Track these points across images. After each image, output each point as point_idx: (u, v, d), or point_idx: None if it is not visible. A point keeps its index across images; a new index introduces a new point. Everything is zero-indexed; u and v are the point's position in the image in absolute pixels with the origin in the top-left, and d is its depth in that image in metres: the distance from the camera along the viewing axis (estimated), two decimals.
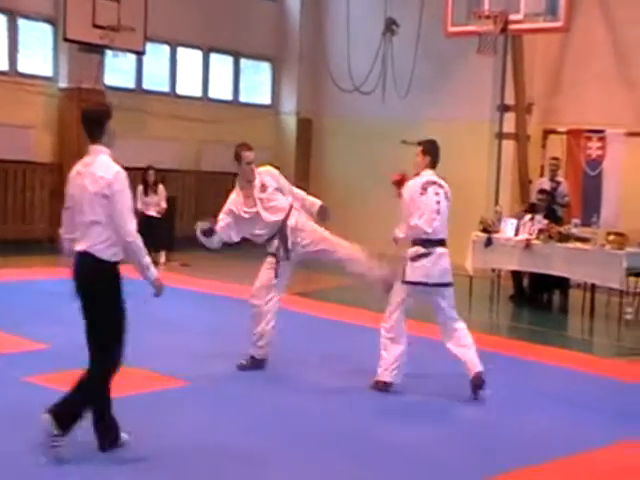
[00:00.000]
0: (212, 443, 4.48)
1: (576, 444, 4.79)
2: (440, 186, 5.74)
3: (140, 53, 12.96)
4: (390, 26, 12.61)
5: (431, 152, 5.70)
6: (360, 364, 6.22)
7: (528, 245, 9.40)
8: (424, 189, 5.63)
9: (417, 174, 5.71)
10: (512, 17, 9.99)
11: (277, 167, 16.83)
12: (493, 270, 10.40)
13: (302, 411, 5.16)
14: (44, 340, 6.30)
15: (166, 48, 14.03)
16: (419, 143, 5.77)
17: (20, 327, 6.61)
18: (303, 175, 15.68)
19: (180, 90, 14.31)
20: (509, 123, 12.05)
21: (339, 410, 5.25)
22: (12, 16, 12.02)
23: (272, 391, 5.56)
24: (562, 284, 9.81)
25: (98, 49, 12.20)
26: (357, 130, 14.43)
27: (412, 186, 5.69)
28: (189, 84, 14.48)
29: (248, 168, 5.79)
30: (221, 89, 14.99)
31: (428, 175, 5.71)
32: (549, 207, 9.98)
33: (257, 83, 15.74)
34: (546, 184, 10.27)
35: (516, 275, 10.02)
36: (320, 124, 15.44)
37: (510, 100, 11.96)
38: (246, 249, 13.33)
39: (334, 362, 6.41)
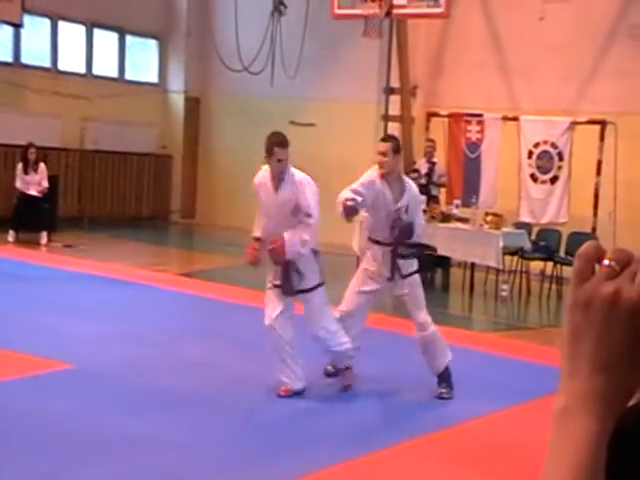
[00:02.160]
0: (87, 426, 4.43)
1: (451, 417, 5.00)
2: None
3: (17, 25, 12.42)
4: (278, 6, 12.60)
5: (400, 150, 5.54)
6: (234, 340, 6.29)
7: None
8: None
9: (388, 174, 5.38)
10: (396, 1, 10.22)
11: (164, 146, 16.59)
12: None
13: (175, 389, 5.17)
14: None
15: (46, 21, 13.49)
16: (386, 139, 5.63)
17: None
18: (191, 154, 15.54)
19: (62, 66, 13.82)
20: (394, 105, 12.33)
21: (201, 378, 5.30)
22: None
23: (152, 373, 5.51)
24: (443, 263, 10.20)
25: None
26: (246, 110, 14.39)
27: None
28: (72, 60, 14.00)
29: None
30: (106, 66, 14.58)
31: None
32: (425, 187, 10.34)
33: (144, 60, 15.41)
34: (423, 165, 10.62)
35: None
36: (208, 103, 15.30)
37: (395, 83, 12.24)
38: (129, 230, 13.25)
39: (215, 341, 6.44)
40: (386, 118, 12.19)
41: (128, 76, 14.96)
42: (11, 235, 10.94)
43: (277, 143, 5.12)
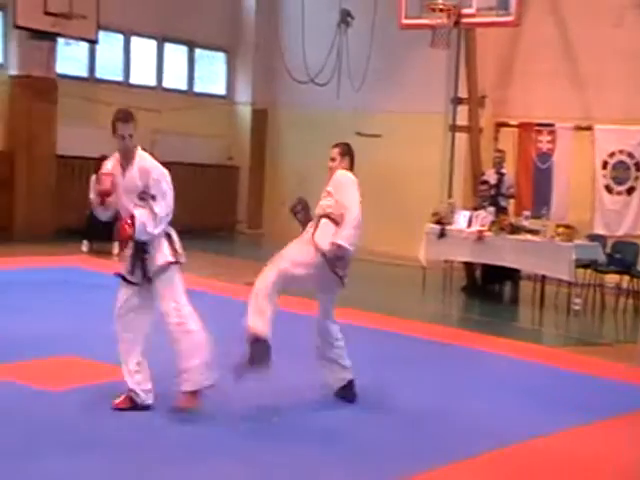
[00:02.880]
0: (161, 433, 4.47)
1: (520, 433, 4.87)
2: None
3: (93, 41, 12.78)
4: (345, 17, 12.66)
5: (350, 154, 5.46)
6: None
7: (480, 237, 9.57)
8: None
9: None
10: (465, 11, 10.13)
11: (231, 157, 16.78)
12: (446, 261, 10.56)
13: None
14: None
15: (120, 37, 13.85)
16: (335, 145, 5.50)
17: None
18: (258, 165, 15.69)
19: (134, 79, 14.16)
20: (462, 116, 12.21)
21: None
22: None
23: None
24: (513, 275, 10.02)
25: (49, 37, 11.99)
26: (312, 121, 14.45)
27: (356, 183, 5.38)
28: (143, 73, 14.34)
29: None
30: (176, 79, 14.87)
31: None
32: (493, 198, 10.18)
33: (212, 73, 15.66)
34: (492, 176, 10.47)
35: (468, 266, 10.19)
36: (275, 115, 15.44)
37: (463, 93, 12.12)
38: (197, 240, 13.42)
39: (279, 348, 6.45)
40: (453, 128, 12.09)
41: (197, 89, 15.23)
42: (85, 245, 11.23)
43: (119, 118, 4.85)
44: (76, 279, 9.04)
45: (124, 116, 4.88)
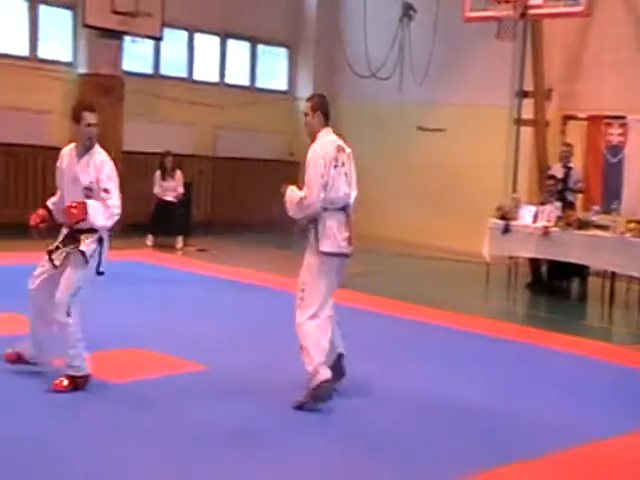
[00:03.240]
0: (221, 428, 4.50)
1: (587, 433, 4.75)
2: (343, 150, 5.22)
3: (158, 39, 12.96)
4: (407, 11, 12.55)
5: (322, 107, 5.19)
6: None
7: (546, 232, 9.36)
8: (336, 160, 5.10)
9: (315, 135, 5.15)
10: (532, 1, 9.90)
11: (292, 153, 16.83)
12: (510, 257, 10.36)
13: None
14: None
15: (184, 34, 14.02)
16: (308, 99, 5.28)
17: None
18: None
19: (197, 75, 14.32)
20: (528, 109, 11.96)
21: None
22: (33, 2, 12.04)
23: (276, 375, 5.50)
24: (581, 272, 9.77)
25: (116, 35, 12.21)
26: (373, 116, 14.38)
27: (327, 153, 5.05)
28: (206, 69, 14.48)
29: None
30: (238, 74, 14.98)
31: (331, 135, 5.18)
32: (560, 193, 9.94)
33: (273, 68, 15.72)
34: (559, 170, 10.21)
35: (534, 262, 9.98)
36: (336, 110, 15.26)
37: (529, 86, 11.87)
38: (258, 235, 13.52)
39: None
40: (518, 122, 11.86)
41: (258, 84, 15.31)
42: (150, 239, 11.40)
43: (86, 107, 5.05)
44: (141, 273, 9.19)
45: (90, 105, 5.07)
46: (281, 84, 15.67)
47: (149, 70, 13.65)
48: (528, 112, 11.99)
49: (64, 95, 12.31)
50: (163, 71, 13.83)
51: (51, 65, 12.23)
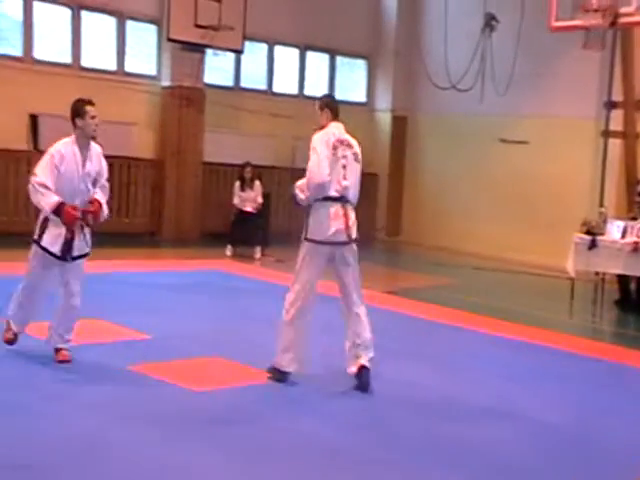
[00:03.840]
0: (306, 438, 4.47)
1: None
2: (349, 146, 5.45)
3: (239, 52, 13.16)
4: (489, 22, 12.38)
5: (329, 105, 5.53)
6: (449, 364, 6.11)
7: (636, 248, 9.03)
8: (335, 148, 5.34)
9: (322, 127, 5.47)
10: (622, 10, 9.57)
11: (370, 164, 16.72)
12: (597, 273, 10.03)
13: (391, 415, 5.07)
14: (145, 330, 6.46)
15: (264, 46, 14.19)
16: (318, 99, 5.65)
17: (122, 317, 6.80)
18: (397, 172, 15.60)
19: (277, 88, 14.46)
20: (616, 120, 11.59)
21: (425, 413, 5.15)
22: (121, 18, 12.41)
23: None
24: None
25: (199, 48, 12.46)
26: (453, 128, 14.22)
27: (324, 138, 5.34)
28: (285, 82, 14.61)
29: None
30: (317, 86, 15.05)
31: (337, 129, 5.45)
32: None
33: (352, 80, 15.74)
34: None
35: (622, 279, 9.63)
36: (415, 121, 15.29)
37: (618, 96, 11.50)
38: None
39: (426, 360, 6.32)
40: (606, 134, 11.50)
41: (337, 96, 15.29)
42: (229, 249, 11.53)
43: (88, 102, 5.40)
44: (220, 282, 9.28)
45: (90, 100, 5.43)
46: (360, 96, 15.67)
47: (230, 82, 13.86)
48: (617, 124, 11.62)
49: (148, 107, 12.65)
50: (243, 83, 14.02)
51: (136, 78, 12.56)
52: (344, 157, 5.37)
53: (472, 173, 13.97)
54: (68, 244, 5.35)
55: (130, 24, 12.53)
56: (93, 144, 5.50)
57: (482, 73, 12.42)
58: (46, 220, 5.37)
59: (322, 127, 5.46)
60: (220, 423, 4.62)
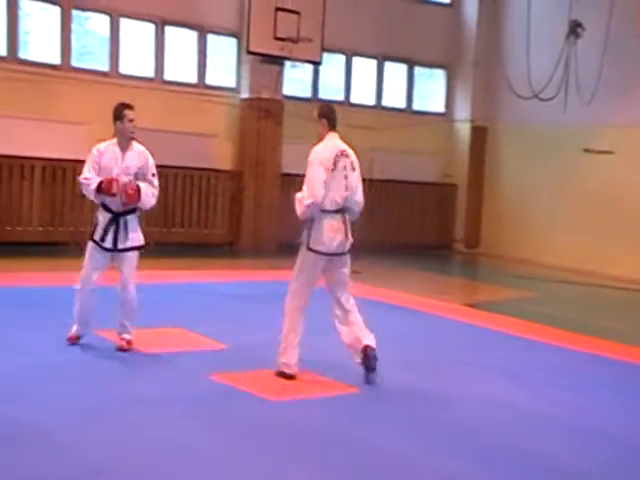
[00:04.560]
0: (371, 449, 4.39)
1: None
2: (347, 155, 5.65)
3: (317, 63, 13.22)
4: (575, 29, 12.07)
5: (326, 114, 5.70)
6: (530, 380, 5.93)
7: None
8: (335, 164, 5.52)
9: (321, 138, 5.65)
10: None
11: (448, 175, 16.56)
12: None
13: (461, 425, 4.94)
14: (222, 339, 6.51)
15: (342, 57, 14.21)
16: (316, 108, 5.84)
17: (201, 326, 6.87)
18: (476, 183, 15.35)
19: (354, 99, 14.45)
20: None
21: (508, 426, 4.99)
22: (202, 32, 12.65)
23: (434, 404, 5.39)
24: None
25: (278, 60, 12.57)
26: (535, 138, 13.92)
27: (324, 155, 5.50)
28: (363, 92, 14.59)
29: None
30: (394, 97, 14.98)
31: (335, 140, 5.63)
32: None
33: (430, 90, 15.60)
34: None
35: None
36: (495, 132, 15.03)
37: None
38: (413, 258, 13.37)
39: (508, 375, 6.14)
40: None
41: (415, 106, 15.23)
42: None
43: (126, 106, 5.97)
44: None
45: (128, 105, 5.98)
46: (438, 106, 15.51)
47: (308, 94, 13.93)
48: None
49: (227, 120, 12.83)
50: (321, 95, 14.07)
51: (216, 91, 12.76)
52: (344, 168, 5.58)
53: (554, 183, 13.62)
54: (114, 233, 5.87)
55: (211, 37, 12.76)
56: (135, 144, 6.01)
57: (566, 82, 12.11)
58: (96, 218, 5.96)
59: (321, 139, 5.65)
60: (298, 434, 4.59)
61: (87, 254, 5.95)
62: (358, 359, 5.65)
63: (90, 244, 5.94)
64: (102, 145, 6.01)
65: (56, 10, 11.34)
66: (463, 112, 15.28)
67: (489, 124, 15.09)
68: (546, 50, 12.34)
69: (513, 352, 7.17)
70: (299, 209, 5.50)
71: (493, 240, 14.81)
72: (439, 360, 6.56)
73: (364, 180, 15.73)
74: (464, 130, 15.24)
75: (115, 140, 5.98)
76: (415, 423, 4.95)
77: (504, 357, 6.94)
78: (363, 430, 4.73)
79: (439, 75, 15.52)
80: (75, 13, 11.55)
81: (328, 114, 5.71)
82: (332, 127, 5.69)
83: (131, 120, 5.95)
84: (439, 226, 15.27)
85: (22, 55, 11.12)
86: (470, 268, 14.22)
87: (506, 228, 14.53)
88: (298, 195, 5.56)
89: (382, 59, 14.64)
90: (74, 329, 6.01)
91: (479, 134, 15.17)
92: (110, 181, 5.81)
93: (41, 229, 11.07)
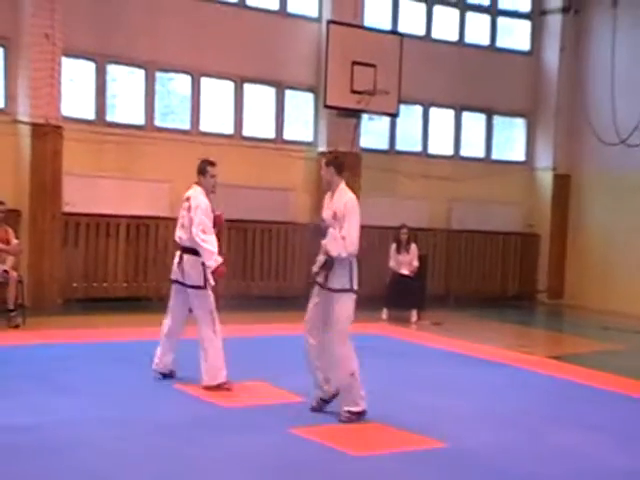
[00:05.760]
0: None
1: None
2: None
3: (394, 115, 13.28)
4: None
5: (333, 162, 6.02)
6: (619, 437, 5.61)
7: None
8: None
9: (331, 185, 6.04)
10: None
11: (531, 225, 16.23)
12: None
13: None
14: (301, 392, 6.44)
15: (419, 109, 14.24)
16: (324, 156, 6.26)
17: (280, 379, 6.84)
18: (559, 232, 14.96)
19: (432, 149, 14.41)
20: None
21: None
22: (279, 88, 12.92)
23: (520, 459, 5.15)
24: None
25: (354, 113, 12.69)
26: (622, 185, 13.53)
27: (357, 207, 5.94)
28: (440, 143, 14.54)
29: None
30: (472, 146, 14.87)
31: (346, 189, 6.02)
32: None
33: (510, 139, 15.43)
34: None
35: None
36: (579, 180, 14.68)
37: None
38: (494, 309, 13.05)
39: (600, 431, 5.84)
40: None
41: (494, 155, 15.07)
42: (384, 313, 11.41)
43: (209, 163, 6.53)
44: (378, 346, 9.16)
45: (212, 162, 6.55)
46: (518, 155, 15.30)
47: (385, 146, 13.98)
48: None
49: (305, 173, 12.97)
50: (398, 146, 14.09)
51: (294, 145, 12.95)
52: None
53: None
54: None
55: (288, 93, 13.01)
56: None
57: None
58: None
59: (329, 184, 6.05)
60: None
61: None
62: (324, 395, 5.90)
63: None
64: (198, 195, 6.46)
65: (141, 73, 11.81)
66: (544, 160, 15.02)
67: (572, 172, 14.76)
68: (633, 93, 12.05)
69: (600, 405, 6.84)
70: (344, 252, 5.75)
71: (578, 290, 14.34)
72: (524, 414, 6.34)
73: (443, 230, 15.64)
74: (546, 178, 14.94)
75: (204, 191, 6.50)
76: (504, 479, 4.75)
77: (591, 411, 6.62)
78: None
79: (518, 123, 15.34)
80: (158, 75, 12.00)
81: (335, 163, 6.05)
82: (340, 174, 6.06)
83: (213, 176, 6.43)
84: (521, 276, 14.90)
85: (109, 118, 11.58)
86: (554, 319, 13.77)
87: (591, 278, 14.07)
88: (336, 233, 5.82)
89: (460, 109, 14.59)
90: None
91: (562, 182, 14.85)
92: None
93: (125, 285, 11.32)
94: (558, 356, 9.27)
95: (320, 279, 5.83)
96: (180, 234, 6.48)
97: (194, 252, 6.34)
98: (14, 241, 9.45)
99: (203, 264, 6.29)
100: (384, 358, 8.41)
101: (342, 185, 6.01)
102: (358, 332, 10.20)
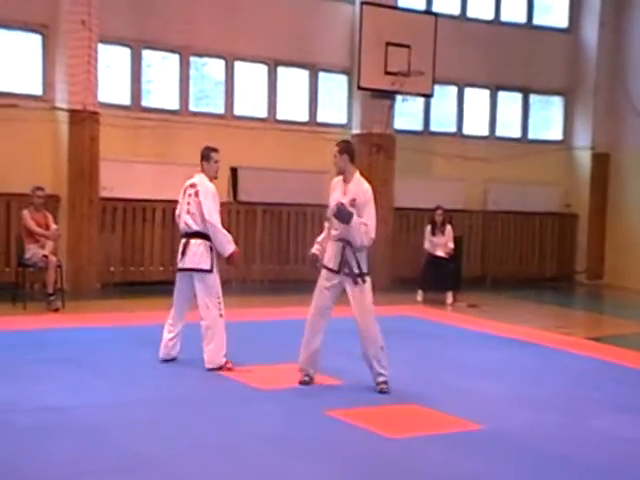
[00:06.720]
0: None
1: None
2: None
3: (428, 96, 13.15)
4: None
5: (347, 150, 6.08)
6: None
7: None
8: None
9: (344, 172, 6.09)
10: None
11: (568, 205, 16.00)
12: None
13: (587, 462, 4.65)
14: (340, 376, 6.46)
15: (453, 89, 14.09)
16: (336, 144, 6.17)
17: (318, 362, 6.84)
18: (599, 212, 14.74)
19: (467, 130, 14.26)
20: None
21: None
22: (313, 70, 12.88)
23: (560, 442, 5.11)
24: None
25: (389, 95, 12.59)
26: None
27: (372, 192, 6.02)
28: (475, 123, 14.38)
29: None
30: (508, 126, 14.68)
31: (361, 179, 6.06)
32: None
33: (546, 118, 15.19)
34: None
35: None
36: (619, 158, 14.42)
37: None
38: (531, 291, 12.91)
39: (630, 414, 5.77)
40: None
41: (530, 135, 14.86)
42: (419, 295, 11.38)
43: (212, 149, 6.61)
44: (412, 328, 9.15)
45: (215, 148, 6.62)
46: (555, 134, 15.07)
47: (419, 127, 13.87)
48: None
49: None
50: (433, 127, 13.97)
51: (327, 128, 12.90)
52: None
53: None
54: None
55: (322, 75, 12.96)
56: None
57: None
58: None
59: (342, 172, 6.08)
60: (416, 472, 4.47)
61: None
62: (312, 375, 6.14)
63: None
64: (204, 181, 6.63)
65: (175, 58, 11.86)
66: (583, 139, 14.77)
67: (611, 150, 14.50)
68: None
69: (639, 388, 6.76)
70: (366, 240, 5.88)
71: (618, 271, 14.13)
72: (561, 396, 6.28)
73: (478, 212, 15.55)
74: (584, 158, 14.70)
75: (207, 177, 6.62)
76: (541, 462, 4.71)
77: (630, 394, 6.54)
78: (485, 468, 4.54)
79: (555, 102, 15.09)
80: (193, 60, 12.03)
81: (349, 150, 6.11)
82: (352, 161, 6.10)
83: (216, 162, 6.57)
84: (559, 257, 14.73)
85: (145, 103, 11.66)
86: (593, 300, 13.59)
87: (632, 258, 13.84)
88: (363, 222, 5.86)
89: (495, 89, 14.40)
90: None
91: (601, 161, 14.60)
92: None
93: (162, 269, 11.44)
94: (597, 337, 9.16)
95: (334, 266, 6.00)
96: (186, 219, 6.50)
97: (202, 236, 6.39)
98: (53, 226, 9.61)
99: (211, 248, 6.36)
100: (419, 340, 8.40)
101: (357, 174, 6.08)
102: (393, 314, 10.24)
